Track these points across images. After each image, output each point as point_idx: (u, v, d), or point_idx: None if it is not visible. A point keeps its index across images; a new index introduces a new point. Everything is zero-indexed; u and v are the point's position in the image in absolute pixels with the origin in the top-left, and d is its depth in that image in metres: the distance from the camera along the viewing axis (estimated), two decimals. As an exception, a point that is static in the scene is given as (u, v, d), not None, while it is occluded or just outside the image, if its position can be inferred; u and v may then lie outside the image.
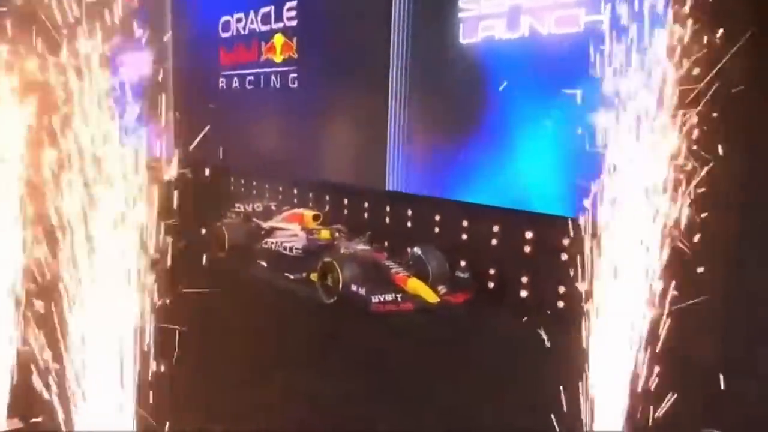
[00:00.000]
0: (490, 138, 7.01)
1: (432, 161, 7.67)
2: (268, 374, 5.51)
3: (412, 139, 8.03)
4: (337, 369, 5.74)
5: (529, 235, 7.35)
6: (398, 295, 7.28)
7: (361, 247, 8.22)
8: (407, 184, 8.23)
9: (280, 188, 12.09)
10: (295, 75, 9.59)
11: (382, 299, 7.22)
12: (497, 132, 6.92)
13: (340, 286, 7.36)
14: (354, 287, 7.32)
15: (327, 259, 7.65)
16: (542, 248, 7.18)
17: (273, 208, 10.82)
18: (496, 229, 7.79)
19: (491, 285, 7.88)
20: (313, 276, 7.87)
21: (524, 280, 7.42)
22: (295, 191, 11.70)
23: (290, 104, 9.83)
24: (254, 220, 9.99)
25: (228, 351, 5.89)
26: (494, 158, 7.22)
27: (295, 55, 9.53)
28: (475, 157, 7.30)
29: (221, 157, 11.91)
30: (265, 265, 9.08)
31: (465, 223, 8.23)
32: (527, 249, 7.39)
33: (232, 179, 13.21)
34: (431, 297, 7.22)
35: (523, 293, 7.44)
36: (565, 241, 6.35)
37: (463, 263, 8.20)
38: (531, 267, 7.37)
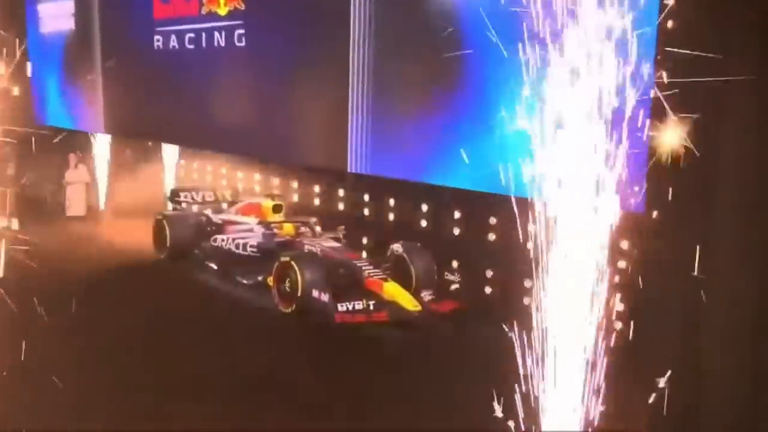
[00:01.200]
0: (475, 109, 7.09)
1: (412, 137, 7.73)
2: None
3: (381, 108, 8.10)
4: (284, 399, 5.89)
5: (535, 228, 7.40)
6: (371, 303, 7.35)
7: (328, 244, 8.31)
8: (377, 165, 8.31)
9: (240, 174, 12.21)
10: (243, 31, 9.65)
11: (350, 308, 7.29)
12: (482, 100, 6.99)
13: (300, 292, 7.45)
14: (316, 293, 7.42)
15: (284, 258, 7.72)
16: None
17: (228, 197, 10.97)
18: (493, 221, 7.87)
19: (488, 290, 7.97)
20: (271, 280, 7.95)
21: (527, 284, 7.49)
22: (257, 177, 11.79)
23: (238, 66, 9.90)
24: (205, 211, 10.13)
25: (165, 381, 6.03)
26: (483, 137, 7.32)
27: (242, 6, 9.57)
28: (461, 135, 7.40)
29: (160, 133, 12.04)
30: (215, 267, 9.22)
31: (457, 215, 8.31)
32: (531, 245, 7.44)
33: (182, 161, 13.36)
34: (411, 305, 7.28)
35: (527, 300, 7.51)
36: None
37: (455, 264, 8.33)
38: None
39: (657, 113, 3.90)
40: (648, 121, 3.96)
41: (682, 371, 4.18)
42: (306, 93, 9.07)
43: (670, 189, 3.92)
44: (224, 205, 10.55)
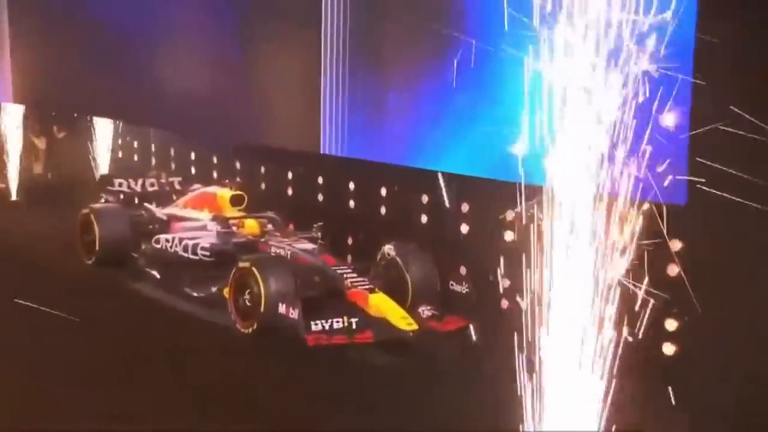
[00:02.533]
0: (480, 76, 7.19)
1: (400, 109, 7.76)
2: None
3: (360, 74, 8.19)
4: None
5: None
6: (353, 320, 7.42)
7: (301, 245, 8.38)
8: (357, 146, 8.40)
9: (192, 154, 12.32)
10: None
11: (327, 326, 7.36)
12: (490, 64, 7.10)
13: (263, 306, 7.52)
14: (283, 308, 7.48)
15: (243, 264, 7.78)
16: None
17: (177, 185, 11.05)
18: (511, 215, 7.95)
19: (504, 304, 8.06)
20: (227, 292, 8.02)
21: (551, 294, 7.57)
22: (215, 159, 11.93)
23: (183, 18, 9.91)
24: (146, 204, 10.23)
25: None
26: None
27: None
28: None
29: (87, 104, 12.08)
30: (158, 275, 9.30)
31: (465, 208, 8.40)
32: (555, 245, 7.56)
33: (119, 141, 13.45)
34: (404, 323, 7.31)
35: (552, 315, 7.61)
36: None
37: (462, 270, 8.40)
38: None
39: (700, 90, 4.09)
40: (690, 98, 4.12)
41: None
42: (268, 53, 9.12)
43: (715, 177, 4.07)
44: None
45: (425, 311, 7.80)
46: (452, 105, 7.30)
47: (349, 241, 9.68)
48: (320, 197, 10.15)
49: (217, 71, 9.81)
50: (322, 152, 8.41)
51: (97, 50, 11.24)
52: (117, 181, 10.91)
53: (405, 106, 7.72)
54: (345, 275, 7.90)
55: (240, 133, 9.97)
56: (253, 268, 7.67)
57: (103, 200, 10.70)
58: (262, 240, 8.69)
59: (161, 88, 10.47)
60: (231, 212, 9.40)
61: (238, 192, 9.64)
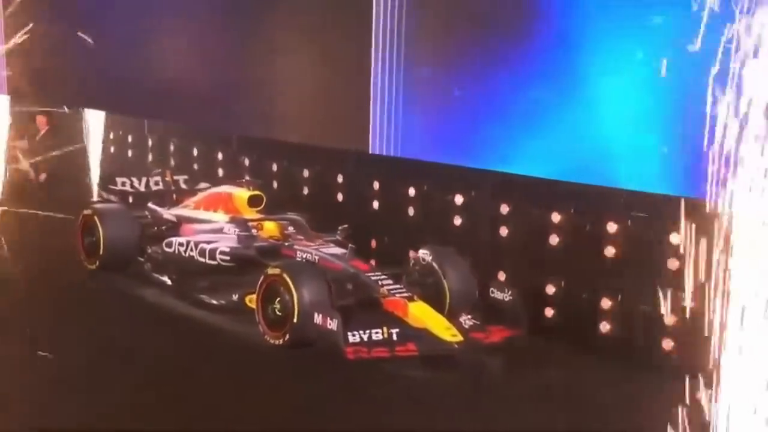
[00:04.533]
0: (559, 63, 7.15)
1: (462, 104, 7.70)
2: None
3: (416, 64, 8.11)
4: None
5: (610, 227, 7.47)
6: (393, 331, 7.33)
7: (329, 250, 8.32)
8: (406, 144, 8.32)
9: (195, 150, 12.20)
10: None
11: (365, 338, 7.26)
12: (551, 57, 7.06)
13: (296, 316, 7.43)
14: (318, 318, 7.36)
15: (273, 270, 7.69)
16: (632, 249, 7.36)
17: (183, 184, 10.97)
18: (556, 217, 7.91)
19: (550, 312, 8.04)
20: (250, 300, 7.99)
21: (607, 302, 7.54)
22: (220, 155, 11.81)
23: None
24: (150, 205, 10.10)
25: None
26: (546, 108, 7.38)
27: None
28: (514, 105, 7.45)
29: (87, 96, 11.98)
30: (169, 282, 9.21)
31: (504, 209, 8.35)
32: (609, 250, 7.51)
33: (117, 133, 13.32)
34: (448, 333, 7.25)
35: (605, 325, 7.57)
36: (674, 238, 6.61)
37: (502, 276, 8.34)
38: (613, 279, 7.52)
39: None
40: None
41: None
42: (307, 38, 9.04)
43: None
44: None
45: (467, 321, 7.72)
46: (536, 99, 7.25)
47: (373, 244, 9.58)
48: (340, 197, 10.02)
49: (240, 57, 9.74)
50: (371, 152, 8.28)
51: (98, 31, 11.15)
52: (119, 180, 10.78)
53: (468, 101, 7.65)
54: (381, 282, 7.81)
55: (268, 128, 9.87)
56: (285, 275, 7.57)
57: (100, 200, 10.57)
58: (286, 244, 8.59)
59: (174, 80, 10.39)
60: (249, 213, 9.30)
61: (256, 192, 9.52)
